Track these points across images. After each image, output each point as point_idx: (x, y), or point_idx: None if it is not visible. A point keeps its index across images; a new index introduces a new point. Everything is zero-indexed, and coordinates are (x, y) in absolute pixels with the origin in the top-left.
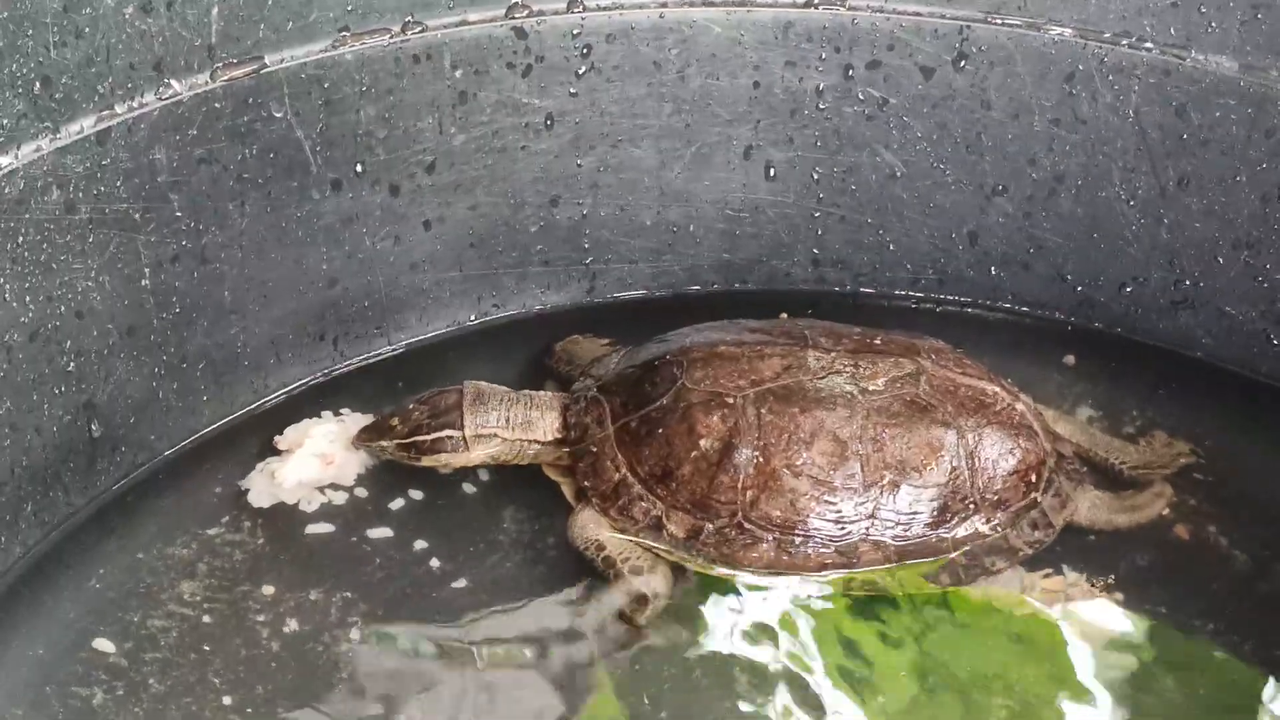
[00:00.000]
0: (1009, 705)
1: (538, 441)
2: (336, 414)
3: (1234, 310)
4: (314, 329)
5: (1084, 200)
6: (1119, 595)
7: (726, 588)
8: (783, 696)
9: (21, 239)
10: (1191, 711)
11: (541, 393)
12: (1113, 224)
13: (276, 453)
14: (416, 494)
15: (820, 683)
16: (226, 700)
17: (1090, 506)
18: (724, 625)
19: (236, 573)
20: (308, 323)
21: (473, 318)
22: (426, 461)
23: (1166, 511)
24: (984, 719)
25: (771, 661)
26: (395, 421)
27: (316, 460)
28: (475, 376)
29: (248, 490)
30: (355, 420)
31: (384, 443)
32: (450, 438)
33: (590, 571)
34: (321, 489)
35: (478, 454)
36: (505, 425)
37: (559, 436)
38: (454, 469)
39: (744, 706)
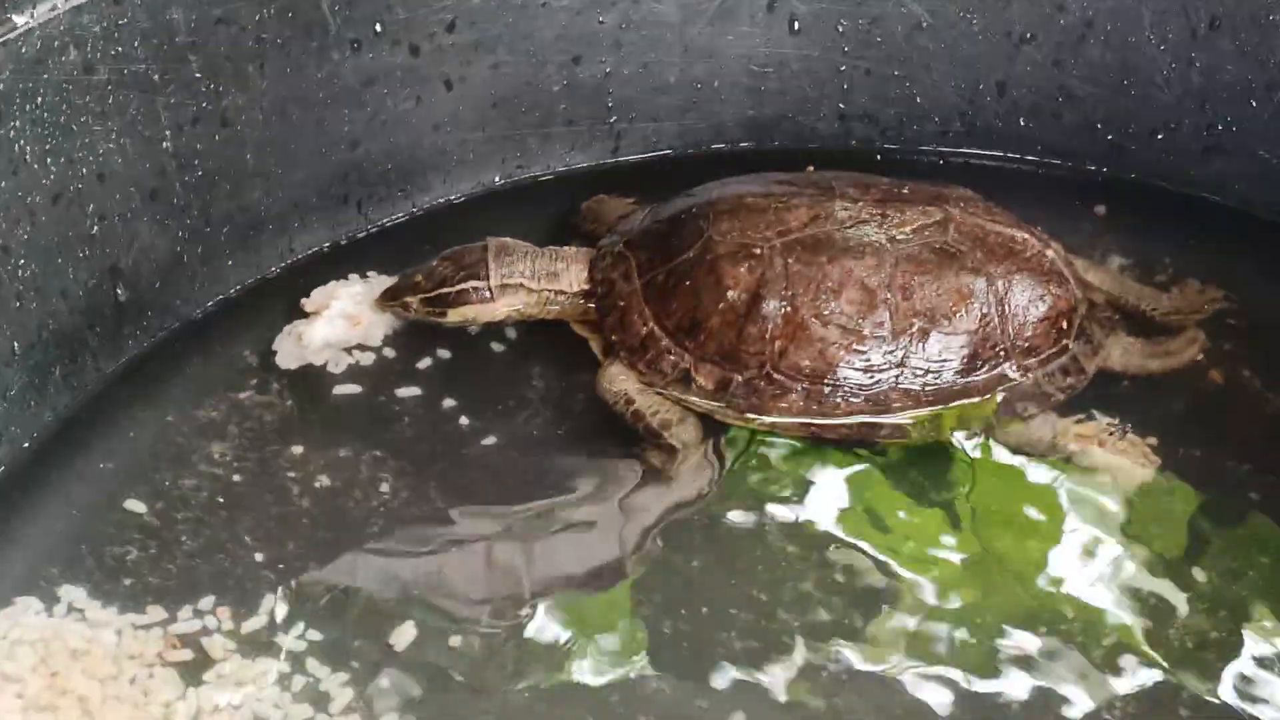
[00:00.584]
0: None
1: (563, 292)
2: (363, 276)
3: (1267, 154)
4: (337, 191)
5: (1114, 46)
6: (1153, 440)
7: (755, 456)
8: (809, 560)
9: (41, 99)
10: (1222, 552)
11: (567, 247)
12: (1143, 69)
13: (304, 315)
14: (444, 353)
15: (847, 549)
16: (258, 557)
17: (1123, 352)
18: (753, 490)
19: (266, 433)
20: (331, 185)
21: (497, 179)
22: (452, 316)
23: (1200, 356)
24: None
25: (796, 525)
26: (420, 278)
27: (343, 321)
28: (500, 236)
29: (275, 352)
30: (381, 282)
31: (409, 298)
32: (476, 289)
33: (619, 426)
34: (348, 350)
35: (503, 306)
36: (531, 276)
37: (585, 289)
38: (480, 325)
39: (771, 571)
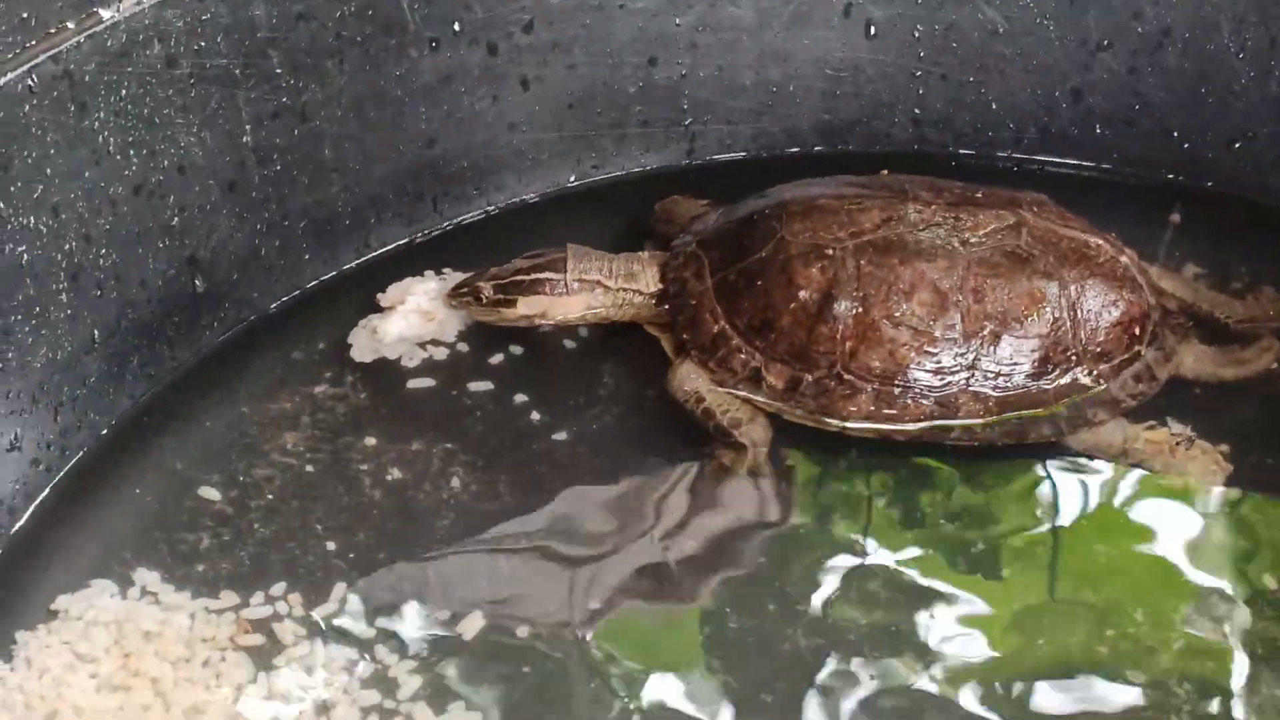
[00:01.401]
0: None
1: (639, 292)
2: (439, 272)
3: None
4: (413, 189)
5: (1191, 54)
6: (1224, 447)
7: (821, 462)
8: (878, 578)
9: (124, 92)
10: None
11: (641, 252)
12: (1221, 78)
13: (378, 310)
14: (516, 349)
15: (916, 568)
16: (330, 546)
17: (1196, 360)
18: (820, 498)
19: (339, 425)
20: (407, 182)
21: (571, 179)
22: (522, 306)
23: (1274, 365)
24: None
25: (862, 536)
26: (494, 270)
27: (418, 317)
28: (574, 238)
29: (351, 345)
30: (455, 279)
31: (481, 283)
32: (551, 280)
33: (689, 425)
34: (423, 344)
35: (577, 304)
36: (608, 275)
37: (660, 289)
38: (552, 323)
39: (840, 590)
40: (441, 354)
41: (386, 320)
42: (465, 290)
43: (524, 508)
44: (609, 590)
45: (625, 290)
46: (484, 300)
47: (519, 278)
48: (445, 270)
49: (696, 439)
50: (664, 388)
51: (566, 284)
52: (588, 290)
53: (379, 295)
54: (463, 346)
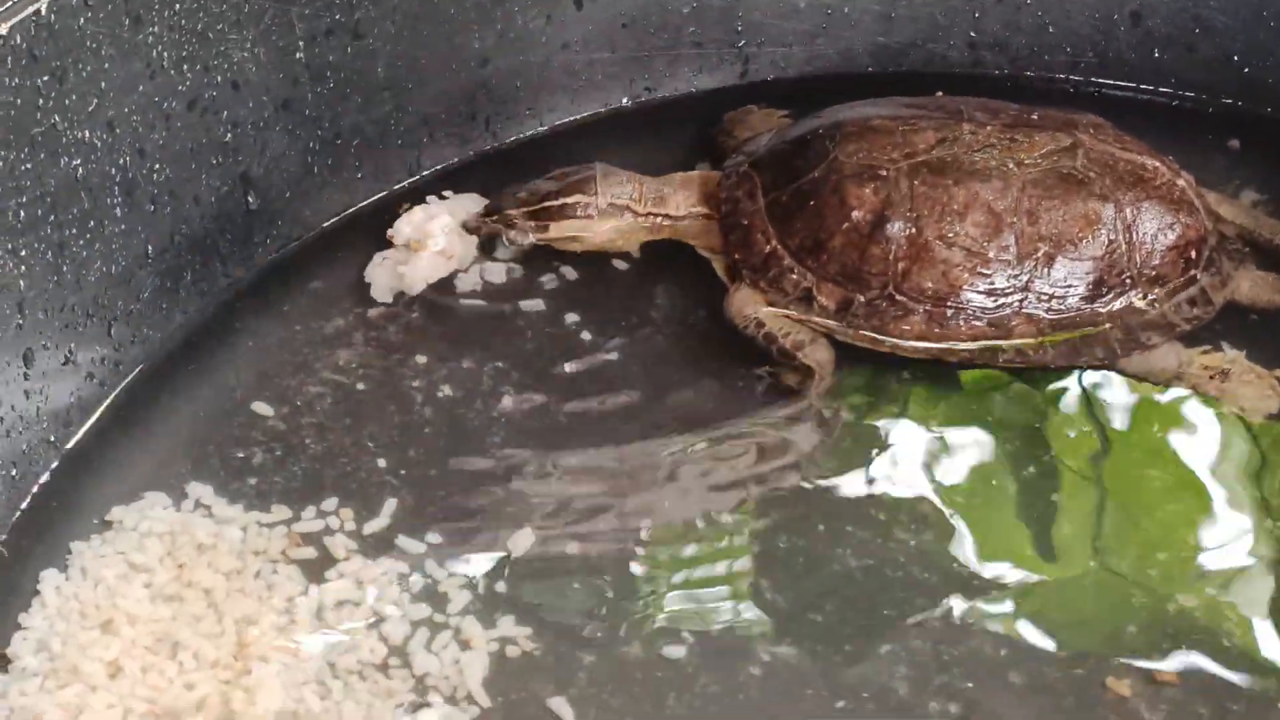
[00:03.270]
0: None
1: (670, 216)
2: (440, 196)
3: None
4: (466, 108)
5: None
6: (1279, 373)
7: (873, 383)
8: (924, 517)
9: (179, 6)
10: None
11: (676, 174)
12: None
13: (391, 244)
14: (568, 270)
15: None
16: (381, 462)
17: (1252, 286)
18: (871, 419)
19: (390, 343)
20: (460, 102)
21: (625, 100)
22: (553, 230)
23: None
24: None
25: (913, 458)
26: (524, 193)
27: (439, 258)
28: (627, 160)
29: (369, 284)
30: (460, 200)
31: (512, 211)
32: (582, 203)
33: (742, 344)
34: (476, 265)
35: (606, 228)
36: (638, 199)
37: (695, 212)
38: (583, 248)
39: (884, 532)
40: (493, 274)
41: (411, 265)
42: (496, 216)
43: (573, 426)
44: (658, 509)
45: (654, 215)
46: (515, 225)
47: (549, 203)
48: (446, 193)
49: (748, 359)
50: (716, 308)
51: (597, 206)
52: (617, 214)
53: (389, 232)
54: (514, 267)
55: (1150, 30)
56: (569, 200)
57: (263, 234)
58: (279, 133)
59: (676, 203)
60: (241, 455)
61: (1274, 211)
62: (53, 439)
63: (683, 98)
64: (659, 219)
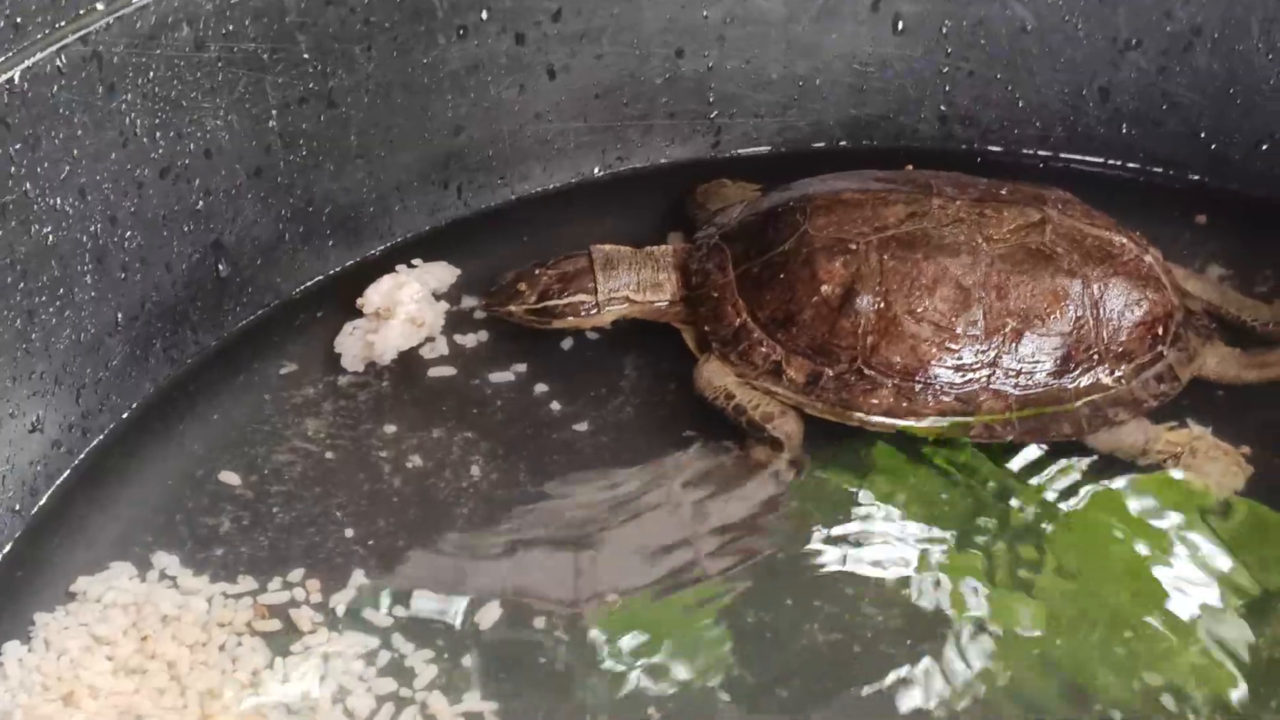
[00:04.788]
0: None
1: (666, 301)
2: (409, 264)
3: None
4: (438, 176)
5: (1220, 54)
6: (1246, 449)
7: (842, 456)
8: (886, 580)
9: (152, 74)
10: None
11: (663, 248)
12: (1250, 79)
13: (361, 313)
14: (537, 341)
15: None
16: (349, 533)
17: (1219, 362)
18: (841, 493)
19: (360, 412)
20: (432, 170)
21: (597, 170)
22: (556, 325)
23: None
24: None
25: (882, 533)
26: (523, 286)
27: (409, 325)
28: (598, 229)
29: (340, 354)
30: (430, 268)
31: (512, 308)
32: (583, 303)
33: (711, 418)
34: (446, 334)
35: (608, 316)
36: (636, 289)
37: (684, 293)
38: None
39: (851, 586)
40: (465, 342)
41: (381, 334)
42: (497, 309)
43: (543, 497)
44: (627, 582)
45: (651, 302)
46: (515, 320)
47: (550, 303)
48: (415, 261)
49: (718, 432)
50: (686, 380)
51: (598, 304)
52: (617, 305)
53: (359, 300)
54: (484, 335)
55: (1119, 106)
56: (572, 300)
57: (233, 302)
58: (251, 200)
59: (671, 289)
60: (208, 525)
61: (1240, 287)
62: (18, 507)
63: (655, 168)
64: (656, 304)
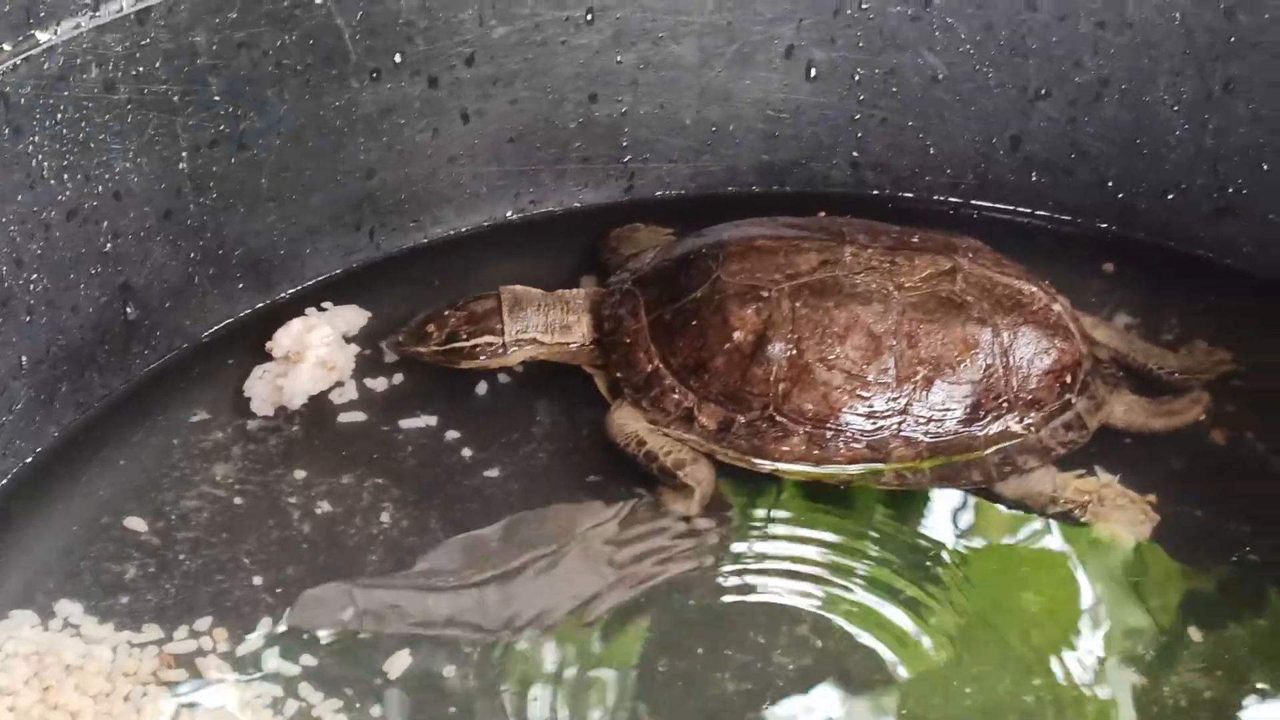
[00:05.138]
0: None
1: (575, 344)
2: (319, 308)
3: (1277, 218)
4: (351, 219)
5: (1128, 105)
6: (1152, 497)
7: (752, 502)
8: (801, 612)
9: (60, 116)
10: (1220, 612)
11: (575, 291)
12: (1157, 129)
13: (271, 357)
14: (449, 385)
15: (836, 605)
16: (257, 580)
17: (1126, 409)
18: (751, 539)
19: (270, 457)
20: (345, 213)
21: (510, 213)
22: (464, 365)
23: (1203, 417)
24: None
25: (793, 579)
26: (432, 328)
27: (319, 369)
28: (511, 273)
29: (249, 398)
30: (340, 312)
31: (421, 349)
32: (490, 344)
33: (623, 463)
34: (356, 378)
35: (515, 357)
36: (544, 330)
37: (595, 337)
38: (490, 370)
39: (767, 618)
40: (377, 386)
41: (290, 378)
42: (405, 348)
43: (454, 545)
44: (538, 631)
45: (560, 344)
46: (424, 360)
47: (457, 344)
48: (325, 304)
49: (629, 478)
50: (598, 426)
51: (505, 345)
52: (524, 346)
53: (269, 344)
54: (396, 380)
55: (1029, 155)
56: (478, 342)
57: (141, 345)
58: (160, 243)
59: (581, 331)
60: (114, 572)
61: (1147, 335)
62: None
63: (568, 212)
64: (565, 346)
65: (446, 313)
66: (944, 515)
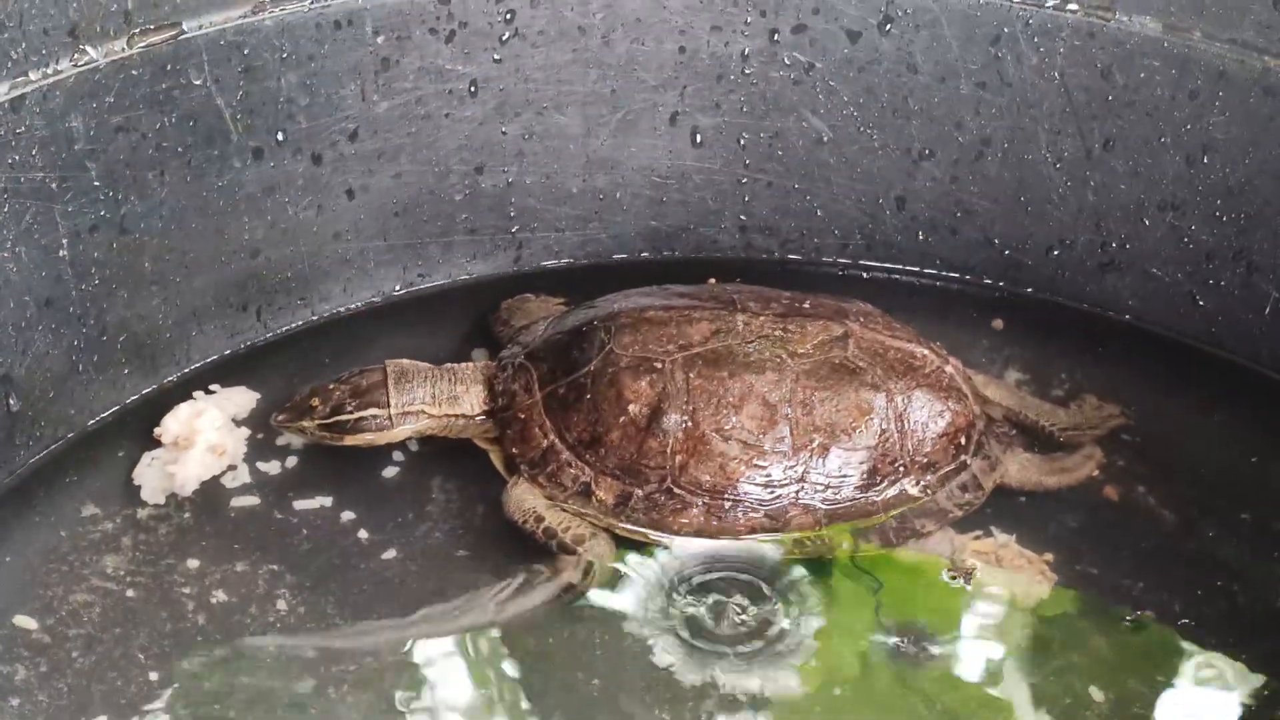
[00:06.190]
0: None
1: (464, 416)
2: (207, 391)
3: (1160, 272)
4: (236, 299)
5: (1010, 164)
6: (1049, 556)
7: (651, 573)
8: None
9: None
10: (1120, 669)
11: (465, 365)
12: (1039, 187)
13: (159, 443)
14: (343, 466)
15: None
16: (153, 676)
17: (1020, 468)
18: (649, 612)
19: (161, 547)
20: (230, 293)
21: (398, 288)
22: (350, 441)
23: (1096, 473)
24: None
25: (689, 653)
26: (316, 402)
27: (209, 454)
28: (402, 347)
29: (139, 486)
30: (228, 394)
31: (305, 423)
32: (375, 416)
33: (520, 540)
34: (248, 462)
35: (402, 431)
36: (431, 401)
37: (486, 409)
38: (377, 446)
39: (669, 694)
40: (268, 470)
41: (180, 464)
42: (289, 425)
43: (352, 631)
44: (438, 711)
45: (449, 416)
46: (309, 436)
47: (342, 417)
48: (213, 387)
49: (527, 555)
50: (494, 503)
51: (390, 417)
52: (412, 419)
53: (156, 430)
54: (289, 462)
55: (915, 214)
56: (363, 414)
57: (25, 436)
58: (42, 331)
59: (470, 402)
60: (3, 673)
61: (1037, 390)
62: None
63: (457, 284)
64: (453, 419)
65: (330, 386)
66: (843, 579)
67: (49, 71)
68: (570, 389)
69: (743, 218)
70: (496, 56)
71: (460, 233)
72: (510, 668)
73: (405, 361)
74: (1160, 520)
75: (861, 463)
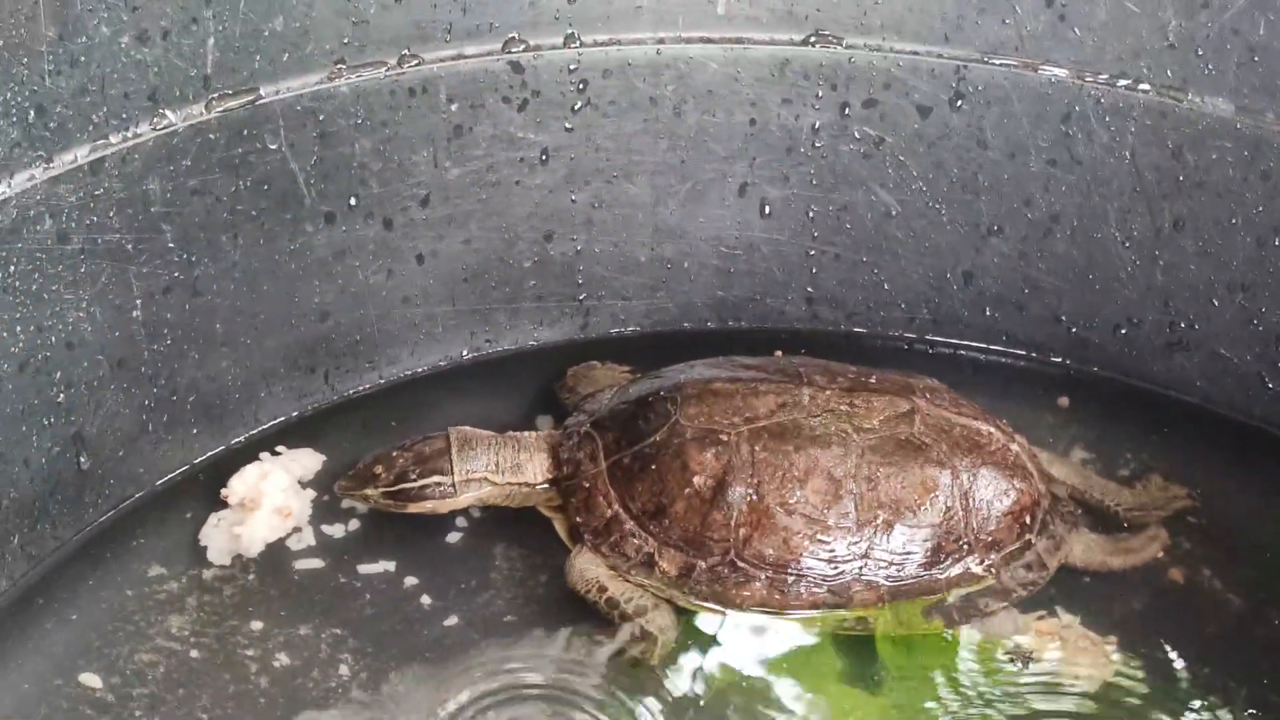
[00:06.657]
0: None
1: (527, 484)
2: (274, 453)
3: (1228, 353)
4: (305, 362)
5: (1079, 241)
6: (1114, 638)
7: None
8: None
9: (13, 268)
10: None
11: (529, 433)
12: (1108, 265)
13: (224, 504)
14: (407, 531)
15: None
16: None
17: (1085, 549)
18: (712, 681)
19: (225, 608)
20: (299, 356)
21: (465, 353)
22: (413, 508)
23: (1161, 554)
24: None
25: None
26: (379, 469)
27: (275, 515)
28: (467, 413)
29: (205, 547)
30: (295, 456)
31: (369, 491)
32: (439, 484)
33: (581, 609)
34: (313, 524)
35: (466, 499)
36: (495, 469)
37: (549, 477)
38: (442, 513)
39: None
40: (332, 533)
41: (247, 525)
42: (353, 493)
43: (413, 697)
44: None
45: (512, 484)
46: (372, 503)
47: (405, 485)
48: (280, 449)
49: (591, 624)
50: (557, 572)
51: (454, 485)
52: (475, 486)
53: (224, 491)
54: (353, 526)
55: (982, 290)
56: (426, 482)
57: (94, 494)
58: (114, 391)
59: (534, 470)
60: None
61: (1102, 470)
62: None
63: (523, 351)
64: (517, 487)
65: (394, 454)
66: (909, 658)
67: (128, 135)
68: (635, 459)
69: (809, 289)
70: (568, 125)
71: (528, 299)
72: None
73: (469, 429)
74: (1226, 604)
75: (926, 540)
